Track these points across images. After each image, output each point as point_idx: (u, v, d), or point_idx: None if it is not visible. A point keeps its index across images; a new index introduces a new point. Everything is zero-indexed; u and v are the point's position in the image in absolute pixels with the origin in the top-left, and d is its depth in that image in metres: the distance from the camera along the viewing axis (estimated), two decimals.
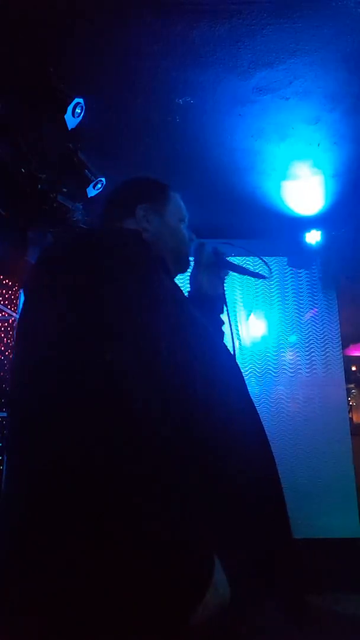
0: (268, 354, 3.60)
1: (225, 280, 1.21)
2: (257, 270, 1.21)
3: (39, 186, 2.57)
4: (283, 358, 3.60)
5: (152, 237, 1.02)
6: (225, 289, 1.21)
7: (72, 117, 2.27)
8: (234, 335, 1.13)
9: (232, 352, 1.02)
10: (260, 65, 2.15)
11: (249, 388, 0.93)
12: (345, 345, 3.98)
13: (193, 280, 1.20)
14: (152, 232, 1.03)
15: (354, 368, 7.22)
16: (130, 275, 0.78)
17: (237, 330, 3.62)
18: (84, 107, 2.31)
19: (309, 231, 3.43)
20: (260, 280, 3.71)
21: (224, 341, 1.10)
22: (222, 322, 1.19)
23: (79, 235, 1.01)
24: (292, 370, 3.58)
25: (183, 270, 1.12)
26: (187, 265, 1.12)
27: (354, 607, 2.67)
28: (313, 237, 3.43)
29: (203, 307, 1.12)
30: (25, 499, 0.61)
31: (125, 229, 1.01)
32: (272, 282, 3.74)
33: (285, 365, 3.59)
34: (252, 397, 0.93)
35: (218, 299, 1.19)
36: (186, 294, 1.05)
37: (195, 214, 1.18)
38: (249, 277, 3.67)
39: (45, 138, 2.48)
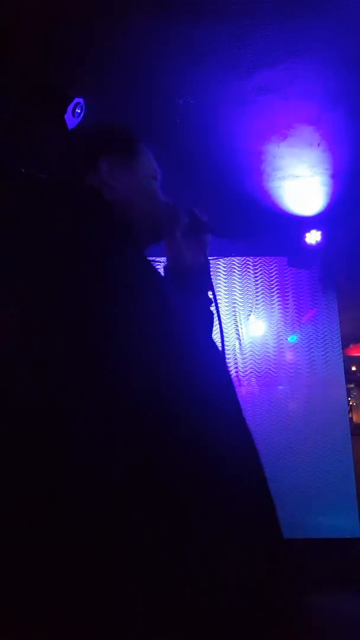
0: (268, 354, 3.60)
1: (207, 246, 0.99)
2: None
3: None
4: (283, 358, 3.60)
5: (119, 198, 0.83)
6: (208, 258, 0.98)
7: (72, 117, 2.27)
8: (221, 319, 0.93)
9: (217, 343, 0.83)
10: (261, 65, 2.15)
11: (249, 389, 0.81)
12: (345, 345, 3.98)
13: (169, 251, 0.95)
14: (119, 190, 0.83)
15: (354, 368, 7.22)
16: (80, 248, 0.61)
17: (237, 325, 3.62)
18: (84, 107, 2.31)
19: (309, 231, 3.43)
20: (260, 279, 3.71)
21: (212, 324, 0.93)
22: (210, 301, 0.96)
23: (22, 186, 0.75)
24: (292, 370, 3.58)
25: (158, 240, 0.93)
26: (162, 234, 0.93)
27: (354, 607, 2.67)
28: (313, 237, 3.43)
29: (183, 283, 0.92)
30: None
31: (83, 183, 0.81)
32: (272, 282, 3.74)
33: (285, 365, 3.59)
34: (240, 406, 0.77)
35: (200, 271, 0.96)
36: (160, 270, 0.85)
37: None
38: (248, 277, 3.69)
39: (45, 138, 2.48)
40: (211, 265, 1.00)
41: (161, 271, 0.89)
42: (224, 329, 1.01)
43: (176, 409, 0.62)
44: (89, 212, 0.68)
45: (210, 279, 0.98)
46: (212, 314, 0.95)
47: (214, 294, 0.96)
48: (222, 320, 3.69)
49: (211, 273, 0.99)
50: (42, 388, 0.55)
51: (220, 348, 0.87)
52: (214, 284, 0.98)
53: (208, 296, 0.97)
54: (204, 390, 0.68)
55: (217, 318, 0.93)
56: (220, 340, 0.90)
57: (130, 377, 0.59)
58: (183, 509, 0.58)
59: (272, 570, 0.64)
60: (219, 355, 0.82)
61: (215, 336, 0.93)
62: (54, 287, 0.58)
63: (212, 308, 0.97)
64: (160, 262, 0.92)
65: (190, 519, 0.58)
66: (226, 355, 0.91)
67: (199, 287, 0.95)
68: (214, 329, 0.96)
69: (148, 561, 0.54)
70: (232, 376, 3.50)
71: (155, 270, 0.77)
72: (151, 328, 0.65)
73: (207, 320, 0.95)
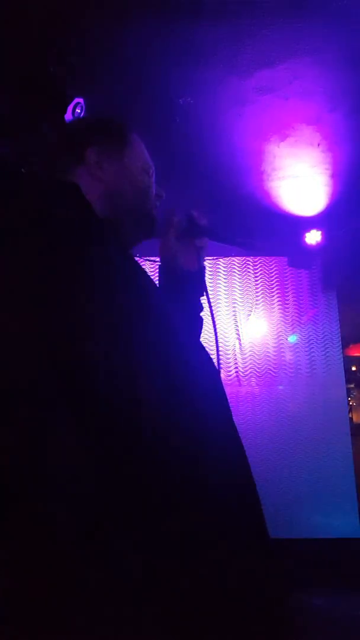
0: (268, 354, 3.60)
1: (203, 250, 0.95)
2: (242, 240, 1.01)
3: None
4: (283, 358, 3.60)
5: (108, 189, 0.80)
6: (204, 263, 0.95)
7: (72, 117, 2.27)
8: (216, 326, 0.91)
9: (205, 349, 0.80)
10: (261, 65, 2.15)
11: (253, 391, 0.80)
12: (345, 345, 3.98)
13: (163, 253, 0.93)
14: (108, 182, 0.81)
15: (354, 368, 7.22)
16: (54, 251, 0.57)
17: (237, 325, 3.62)
18: (84, 107, 2.30)
19: (309, 231, 3.43)
20: (260, 279, 3.71)
21: (200, 331, 0.90)
22: (201, 308, 0.94)
23: None
24: (292, 370, 3.58)
25: (148, 236, 0.89)
26: (154, 228, 0.88)
27: (353, 607, 2.67)
28: (313, 237, 3.43)
29: (176, 287, 0.89)
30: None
31: (56, 182, 0.77)
32: (272, 282, 3.74)
33: (285, 365, 3.59)
34: (230, 410, 0.74)
35: (194, 276, 0.92)
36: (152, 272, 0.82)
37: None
38: (248, 277, 3.69)
39: (45, 138, 2.48)
40: (211, 266, 0.97)
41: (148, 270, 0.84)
42: (224, 330, 0.99)
43: (162, 410, 0.61)
44: (65, 211, 0.64)
45: (204, 285, 0.94)
46: (202, 319, 0.93)
47: (208, 300, 0.93)
48: (222, 320, 3.70)
49: (206, 278, 0.96)
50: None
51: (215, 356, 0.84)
52: (207, 289, 0.95)
53: (199, 302, 0.94)
54: (191, 389, 0.67)
55: (213, 324, 0.90)
56: (215, 347, 0.88)
57: (113, 379, 0.57)
58: (173, 505, 0.58)
59: (261, 569, 0.65)
60: (206, 357, 0.79)
61: (211, 342, 0.92)
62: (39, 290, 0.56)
63: (203, 314, 0.94)
64: (155, 261, 0.91)
65: (179, 513, 0.58)
66: (219, 362, 0.88)
67: (190, 291, 0.92)
68: (207, 335, 0.93)
69: (140, 557, 0.54)
70: (223, 378, 3.50)
71: (139, 270, 0.73)
72: (130, 328, 0.63)
73: (195, 325, 0.92)
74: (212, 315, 0.92)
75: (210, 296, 0.89)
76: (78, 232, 0.62)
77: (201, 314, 0.95)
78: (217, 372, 0.81)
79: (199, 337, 0.92)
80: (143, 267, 0.74)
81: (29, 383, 0.54)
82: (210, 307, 0.93)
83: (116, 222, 0.82)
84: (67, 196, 0.68)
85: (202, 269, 0.94)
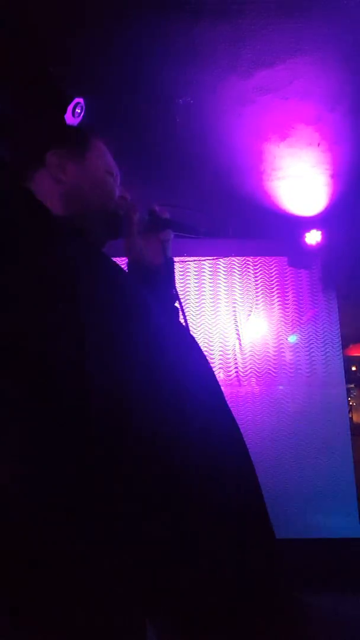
0: (268, 354, 3.60)
1: (169, 244, 0.97)
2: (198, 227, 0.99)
3: None
4: (283, 358, 3.60)
5: (70, 189, 0.82)
6: (170, 254, 0.96)
7: (72, 117, 2.27)
8: (185, 316, 0.91)
9: (190, 335, 0.83)
10: (261, 65, 2.15)
11: (248, 386, 0.82)
12: (345, 345, 3.98)
13: (129, 250, 0.94)
14: (70, 183, 0.82)
15: (354, 368, 7.22)
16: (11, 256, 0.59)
17: (237, 325, 3.62)
18: (84, 107, 2.30)
19: (309, 231, 3.43)
20: (260, 279, 3.71)
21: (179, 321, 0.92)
22: (173, 299, 0.96)
23: None
24: (292, 370, 3.58)
25: (114, 236, 0.90)
26: (119, 229, 0.90)
27: (354, 607, 2.67)
28: (313, 237, 3.42)
29: (146, 282, 0.90)
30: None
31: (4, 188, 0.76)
32: (272, 282, 3.74)
33: (285, 365, 3.59)
34: (219, 384, 0.77)
35: (163, 269, 0.94)
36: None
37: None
38: (248, 277, 3.69)
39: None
40: (211, 266, 0.97)
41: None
42: (224, 330, 0.99)
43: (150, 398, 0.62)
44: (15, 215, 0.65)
45: (173, 277, 0.96)
46: (176, 310, 0.94)
47: (176, 292, 0.94)
48: (222, 320, 3.70)
49: (174, 271, 0.97)
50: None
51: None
52: (176, 282, 0.96)
53: (171, 293, 0.95)
54: (179, 377, 0.68)
55: (182, 315, 0.91)
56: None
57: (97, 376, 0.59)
58: (178, 497, 0.59)
59: (267, 562, 0.65)
60: (191, 343, 0.82)
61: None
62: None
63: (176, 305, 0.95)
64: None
65: (185, 507, 0.59)
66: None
67: (160, 285, 0.93)
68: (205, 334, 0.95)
69: (141, 547, 0.54)
70: (223, 379, 3.49)
71: (116, 267, 0.75)
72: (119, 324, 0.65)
73: (173, 317, 0.93)
74: (181, 306, 0.92)
75: (211, 296, 0.87)
76: (31, 232, 0.63)
77: (175, 304, 0.96)
78: (204, 356, 0.81)
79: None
80: (115, 262, 0.75)
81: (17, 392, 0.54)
82: (179, 298, 0.93)
83: (80, 221, 0.82)
84: (19, 201, 0.69)
85: (170, 261, 0.95)
